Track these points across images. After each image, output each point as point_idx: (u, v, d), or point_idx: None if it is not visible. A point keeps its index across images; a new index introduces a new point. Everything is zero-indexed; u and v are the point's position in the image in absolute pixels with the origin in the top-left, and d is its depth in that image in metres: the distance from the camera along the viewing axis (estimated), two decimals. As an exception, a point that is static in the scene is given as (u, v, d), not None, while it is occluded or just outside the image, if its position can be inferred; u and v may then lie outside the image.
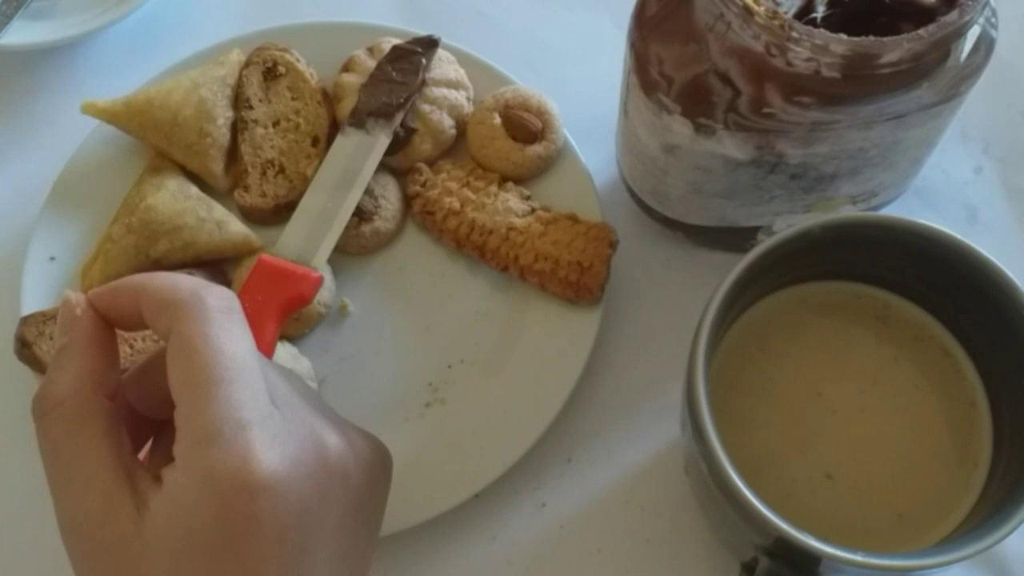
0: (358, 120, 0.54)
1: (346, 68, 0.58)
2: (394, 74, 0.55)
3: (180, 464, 0.33)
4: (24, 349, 0.51)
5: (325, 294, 0.53)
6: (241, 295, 0.45)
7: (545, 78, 0.58)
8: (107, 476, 0.33)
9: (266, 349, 0.46)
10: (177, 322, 0.33)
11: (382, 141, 0.54)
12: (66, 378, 0.34)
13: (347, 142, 0.53)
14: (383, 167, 0.55)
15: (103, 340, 0.36)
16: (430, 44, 0.56)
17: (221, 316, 0.34)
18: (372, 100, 0.54)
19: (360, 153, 0.53)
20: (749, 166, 0.47)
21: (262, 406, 0.33)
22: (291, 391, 0.36)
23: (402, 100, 0.54)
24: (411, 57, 0.55)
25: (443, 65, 0.57)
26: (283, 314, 0.49)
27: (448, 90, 0.56)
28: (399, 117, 0.54)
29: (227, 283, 0.55)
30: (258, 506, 0.32)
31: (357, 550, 0.36)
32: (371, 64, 0.56)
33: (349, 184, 0.53)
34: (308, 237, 0.51)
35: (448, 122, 0.56)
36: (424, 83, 0.55)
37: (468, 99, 0.57)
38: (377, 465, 0.38)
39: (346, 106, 0.56)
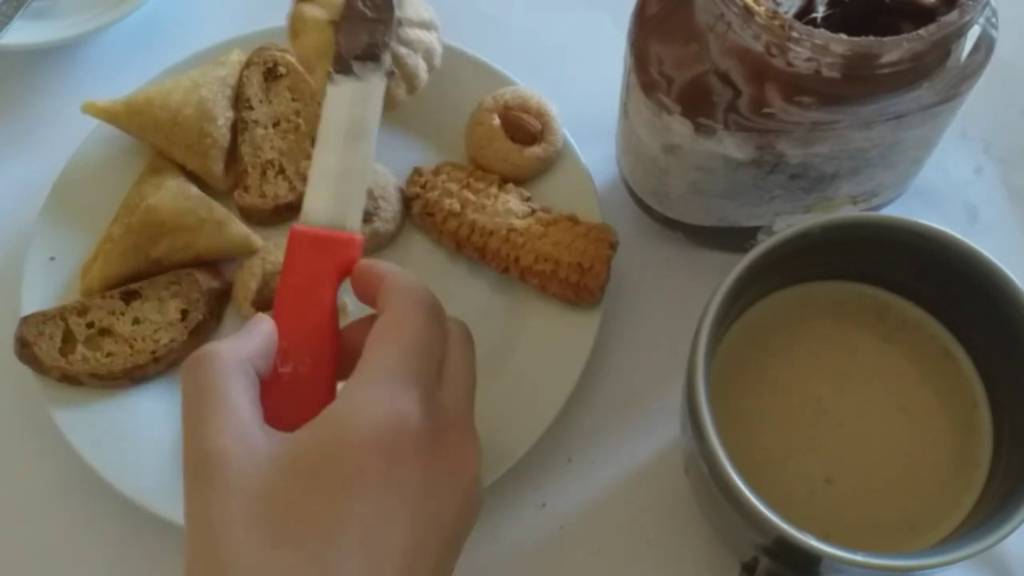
0: (343, 66, 0.50)
1: None
2: (367, 11, 0.51)
3: (344, 396, 0.37)
4: (24, 349, 0.51)
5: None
6: (287, 275, 0.43)
7: (545, 78, 0.58)
8: (246, 416, 0.37)
9: (328, 320, 0.43)
10: (393, 300, 0.40)
11: (378, 84, 0.50)
12: (231, 344, 0.39)
13: (340, 91, 0.49)
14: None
15: (272, 341, 0.41)
16: None
17: (428, 310, 0.40)
18: (354, 42, 0.50)
19: (358, 101, 0.49)
20: (749, 166, 0.47)
21: (429, 383, 0.39)
22: (462, 389, 0.41)
23: (385, 38, 0.50)
24: None
25: (413, 2, 0.53)
26: (336, 284, 0.45)
27: (422, 31, 0.53)
28: (388, 56, 0.51)
29: (226, 283, 0.55)
30: (403, 447, 0.36)
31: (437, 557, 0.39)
32: None
33: (359, 135, 0.48)
34: (336, 199, 0.47)
35: (422, 65, 0.53)
36: (399, 20, 0.52)
37: (439, 40, 0.54)
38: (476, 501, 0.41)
39: (306, 42, 0.52)
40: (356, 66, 0.50)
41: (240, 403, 0.37)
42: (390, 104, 0.51)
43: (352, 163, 0.47)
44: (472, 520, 0.40)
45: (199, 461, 0.36)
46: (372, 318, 0.41)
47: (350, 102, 0.49)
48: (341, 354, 0.42)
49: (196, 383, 0.38)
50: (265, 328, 0.41)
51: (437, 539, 0.37)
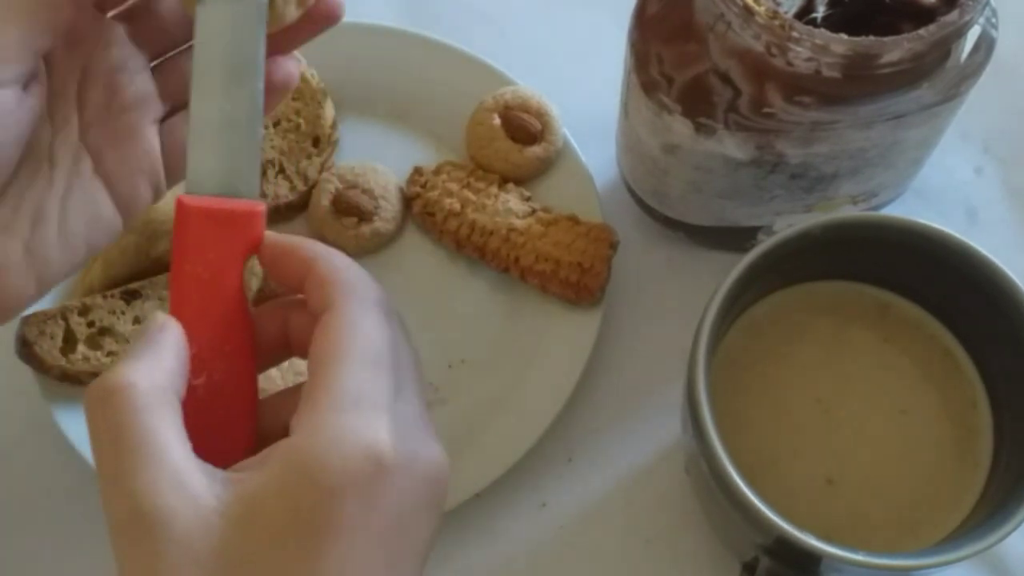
0: None
1: None
2: None
3: (302, 429, 0.32)
4: (24, 349, 0.51)
5: None
6: (181, 263, 0.35)
7: (545, 78, 0.58)
8: (180, 460, 0.31)
9: (240, 313, 0.36)
10: (338, 300, 0.34)
11: (259, 6, 0.38)
12: (141, 368, 0.33)
13: (211, 15, 0.38)
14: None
15: (184, 354, 0.34)
16: None
17: (379, 308, 0.35)
18: None
19: (237, 27, 0.38)
20: (749, 166, 0.47)
21: (391, 398, 0.34)
22: (413, 390, 0.36)
23: None
24: None
25: None
26: (242, 265, 0.36)
27: None
28: None
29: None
30: (380, 487, 0.31)
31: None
32: None
33: (243, 71, 0.38)
34: (225, 158, 0.38)
35: None
36: None
37: None
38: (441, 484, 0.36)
39: None
40: None
41: (171, 444, 0.31)
42: (276, 23, 0.39)
43: (239, 109, 0.38)
44: (440, 524, 0.36)
45: (132, 521, 0.30)
46: (289, 303, 0.37)
47: (225, 31, 0.38)
48: (257, 348, 0.37)
49: (112, 425, 0.31)
50: (173, 338, 0.34)
51: (411, 564, 0.34)
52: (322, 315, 0.34)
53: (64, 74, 0.38)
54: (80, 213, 0.38)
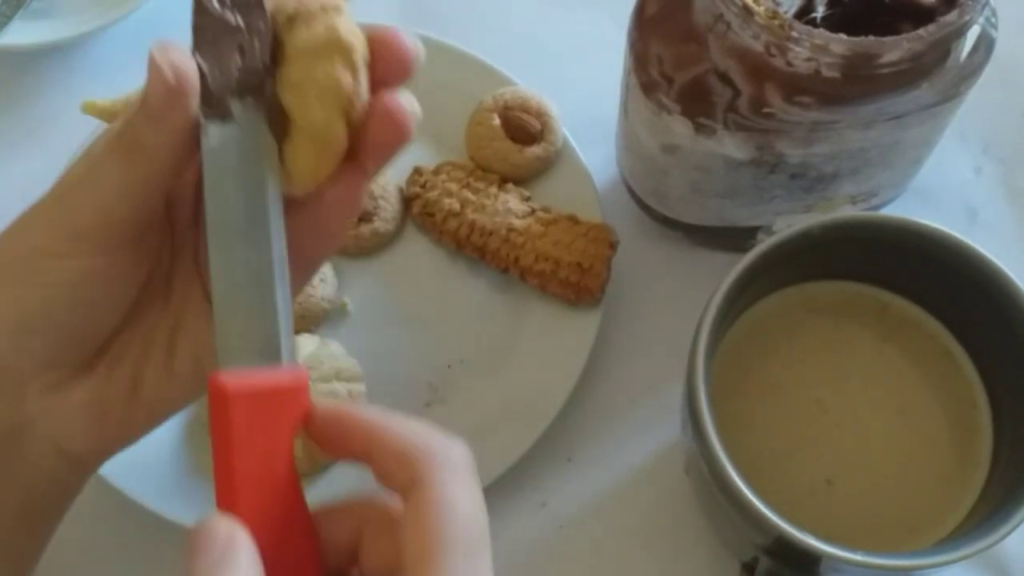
0: (218, 105, 0.32)
1: None
2: (229, 15, 0.33)
3: None
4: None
5: (328, 290, 0.53)
6: (226, 455, 0.30)
7: (545, 78, 0.58)
8: None
9: (298, 507, 0.31)
10: (428, 475, 0.29)
11: (262, 130, 0.33)
12: None
13: (219, 148, 0.32)
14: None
15: (258, 567, 0.29)
16: None
17: (468, 473, 0.31)
18: (223, 67, 0.33)
19: (245, 159, 0.32)
20: (749, 166, 0.47)
21: None
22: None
23: (264, 54, 0.33)
24: None
25: None
26: (291, 448, 0.31)
27: (328, 16, 0.33)
28: (269, 83, 0.33)
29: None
30: None
31: None
32: None
33: (258, 212, 0.32)
34: (255, 322, 0.32)
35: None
36: (293, 14, 0.33)
37: (364, 60, 0.33)
38: None
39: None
40: (234, 106, 0.32)
41: None
42: (325, 153, 0.33)
43: (261, 258, 0.32)
44: None
45: None
46: (364, 505, 0.32)
47: (234, 166, 0.32)
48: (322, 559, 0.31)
49: None
50: (244, 553, 0.28)
51: None
52: (410, 495, 0.30)
53: (181, 197, 0.36)
54: (192, 338, 0.36)
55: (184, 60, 0.32)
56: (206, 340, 0.34)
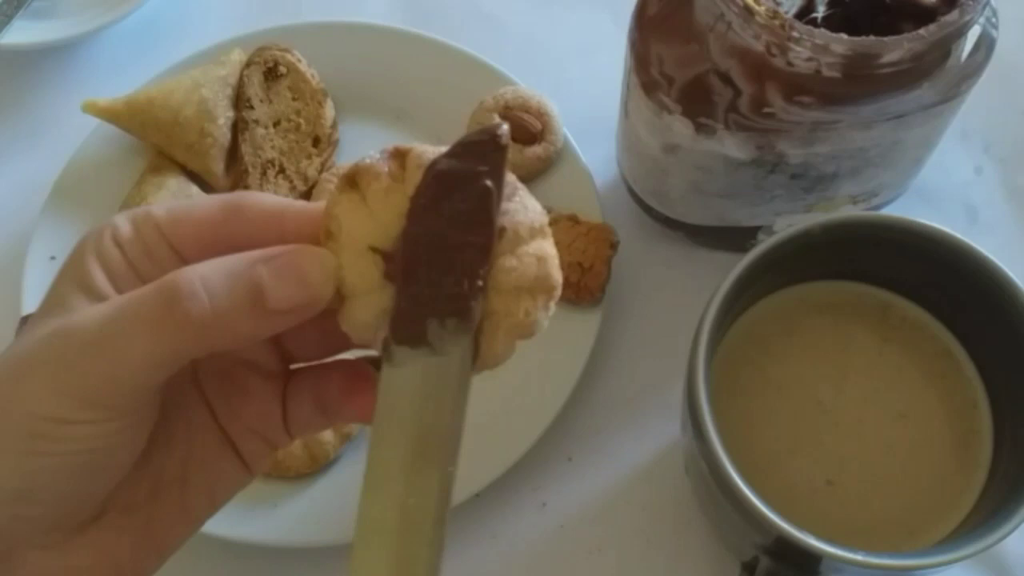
0: (413, 332, 0.29)
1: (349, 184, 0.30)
2: (447, 224, 0.29)
3: None
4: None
5: None
6: None
7: (545, 78, 0.58)
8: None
9: None
10: None
11: (464, 358, 0.29)
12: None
13: (403, 376, 0.29)
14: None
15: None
16: (494, 145, 0.30)
17: None
18: (428, 290, 0.29)
19: (432, 391, 0.29)
20: (750, 166, 0.47)
21: None
22: None
23: (480, 276, 0.29)
24: (470, 182, 0.29)
25: (527, 200, 0.31)
26: None
27: (537, 243, 0.30)
28: (478, 308, 0.29)
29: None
30: None
31: None
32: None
33: (432, 452, 0.29)
34: (397, 567, 0.29)
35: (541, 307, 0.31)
36: (503, 230, 0.29)
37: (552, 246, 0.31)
38: None
39: (346, 279, 0.30)
40: (432, 330, 0.29)
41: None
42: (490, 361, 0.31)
43: (422, 503, 0.29)
44: None
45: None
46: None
47: (419, 393, 0.29)
48: None
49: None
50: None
51: None
52: None
53: None
54: (204, 469, 0.34)
55: (328, 277, 0.29)
56: (218, 470, 0.34)
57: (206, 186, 0.56)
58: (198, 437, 0.34)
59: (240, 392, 0.34)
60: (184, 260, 0.31)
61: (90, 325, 0.29)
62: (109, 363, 0.29)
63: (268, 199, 0.32)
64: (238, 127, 0.57)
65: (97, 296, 0.30)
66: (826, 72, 0.41)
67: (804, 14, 0.43)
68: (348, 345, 0.33)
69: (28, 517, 0.30)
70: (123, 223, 0.31)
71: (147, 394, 0.30)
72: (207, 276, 0.29)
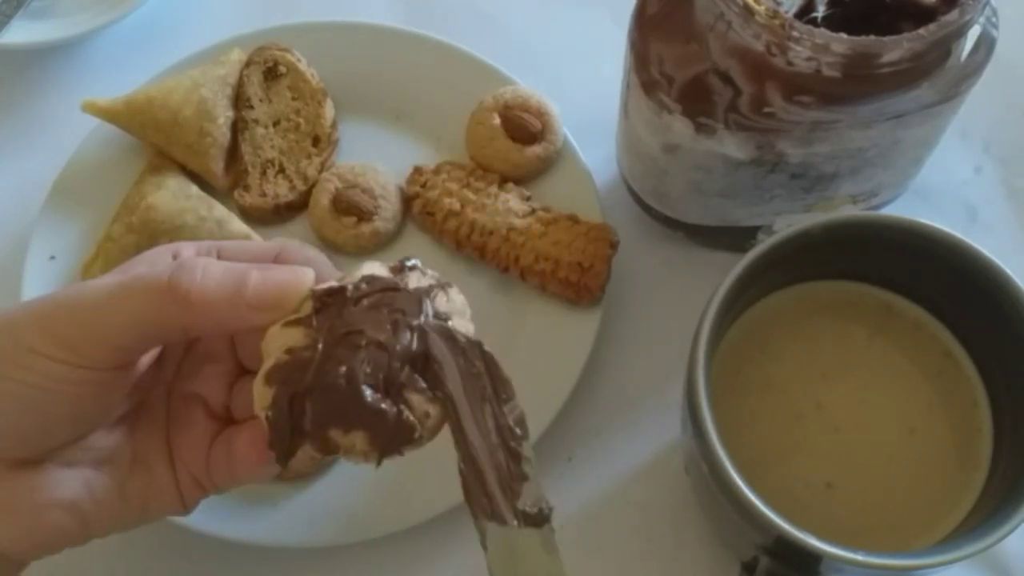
0: (497, 507, 0.32)
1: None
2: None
3: None
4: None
5: None
6: None
7: (545, 78, 0.58)
8: None
9: None
10: None
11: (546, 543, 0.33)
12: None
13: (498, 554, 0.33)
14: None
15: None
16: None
17: None
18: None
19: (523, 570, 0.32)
20: (749, 166, 0.47)
21: None
22: None
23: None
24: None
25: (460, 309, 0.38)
26: None
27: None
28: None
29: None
30: None
31: None
32: None
33: None
34: None
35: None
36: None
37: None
38: None
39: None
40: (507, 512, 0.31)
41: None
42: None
43: None
44: None
45: None
46: None
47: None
48: None
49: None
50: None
51: None
52: None
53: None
54: (144, 472, 0.38)
55: (299, 296, 0.35)
56: (156, 487, 0.38)
57: (206, 186, 0.56)
58: (152, 448, 0.38)
59: (185, 419, 0.38)
60: None
61: (107, 280, 0.34)
62: (99, 317, 0.33)
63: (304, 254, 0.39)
64: (238, 127, 0.57)
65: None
66: (826, 72, 0.41)
67: (804, 14, 0.43)
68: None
69: None
70: (188, 247, 0.37)
71: (121, 356, 0.34)
72: (210, 264, 0.34)
